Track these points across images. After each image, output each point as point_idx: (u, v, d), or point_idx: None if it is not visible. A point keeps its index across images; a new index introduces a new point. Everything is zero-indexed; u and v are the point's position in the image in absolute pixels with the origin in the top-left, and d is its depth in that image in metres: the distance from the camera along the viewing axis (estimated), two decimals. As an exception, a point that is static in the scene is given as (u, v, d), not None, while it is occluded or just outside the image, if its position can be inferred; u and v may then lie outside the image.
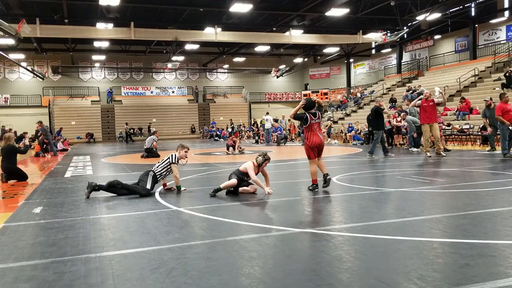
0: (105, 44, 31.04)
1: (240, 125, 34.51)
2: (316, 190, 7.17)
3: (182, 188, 7.58)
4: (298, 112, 7.35)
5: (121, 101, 39.08)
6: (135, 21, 23.27)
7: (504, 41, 27.80)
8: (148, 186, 7.25)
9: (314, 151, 7.28)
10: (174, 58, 34.94)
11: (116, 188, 7.14)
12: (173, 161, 7.59)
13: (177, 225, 5.01)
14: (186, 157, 7.89)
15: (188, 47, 31.06)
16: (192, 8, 23.98)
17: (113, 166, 13.50)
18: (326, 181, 7.17)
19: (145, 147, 15.90)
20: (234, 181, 6.95)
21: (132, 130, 36.82)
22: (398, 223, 4.89)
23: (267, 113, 26.58)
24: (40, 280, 3.32)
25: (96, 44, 30.74)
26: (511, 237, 4.18)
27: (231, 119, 37.46)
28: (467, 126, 18.39)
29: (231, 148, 16.90)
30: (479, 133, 17.42)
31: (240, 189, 7.05)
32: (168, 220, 5.26)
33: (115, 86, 39.50)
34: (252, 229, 4.77)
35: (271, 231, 4.63)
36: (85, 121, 36.15)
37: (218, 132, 34.36)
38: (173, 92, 41.13)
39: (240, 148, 17.23)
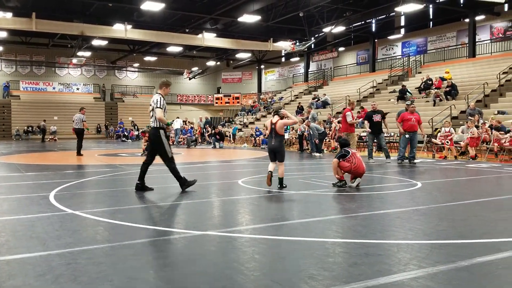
0: (2, 34, 28.40)
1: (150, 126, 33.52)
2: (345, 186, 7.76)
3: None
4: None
5: (19, 96, 36.15)
6: (37, 11, 21.59)
7: (400, 56, 30.35)
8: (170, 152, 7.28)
9: (352, 173, 7.92)
10: (80, 53, 33.14)
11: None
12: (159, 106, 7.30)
13: (70, 229, 4.73)
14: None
15: (96, 42, 29.60)
16: (101, 2, 22.93)
17: (5, 166, 12.40)
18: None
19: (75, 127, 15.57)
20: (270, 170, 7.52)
21: (31, 128, 34.20)
22: (296, 224, 5.07)
23: (178, 117, 26.41)
24: None
25: (-8, 33, 28.11)
26: (396, 237, 4.51)
27: (132, 121, 36.24)
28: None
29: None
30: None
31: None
32: (61, 224, 4.94)
33: (13, 80, 36.54)
34: (152, 233, 4.66)
35: (172, 234, 4.55)
36: (-25, 116, 32.87)
37: (126, 133, 33.14)
38: (78, 89, 38.94)
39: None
